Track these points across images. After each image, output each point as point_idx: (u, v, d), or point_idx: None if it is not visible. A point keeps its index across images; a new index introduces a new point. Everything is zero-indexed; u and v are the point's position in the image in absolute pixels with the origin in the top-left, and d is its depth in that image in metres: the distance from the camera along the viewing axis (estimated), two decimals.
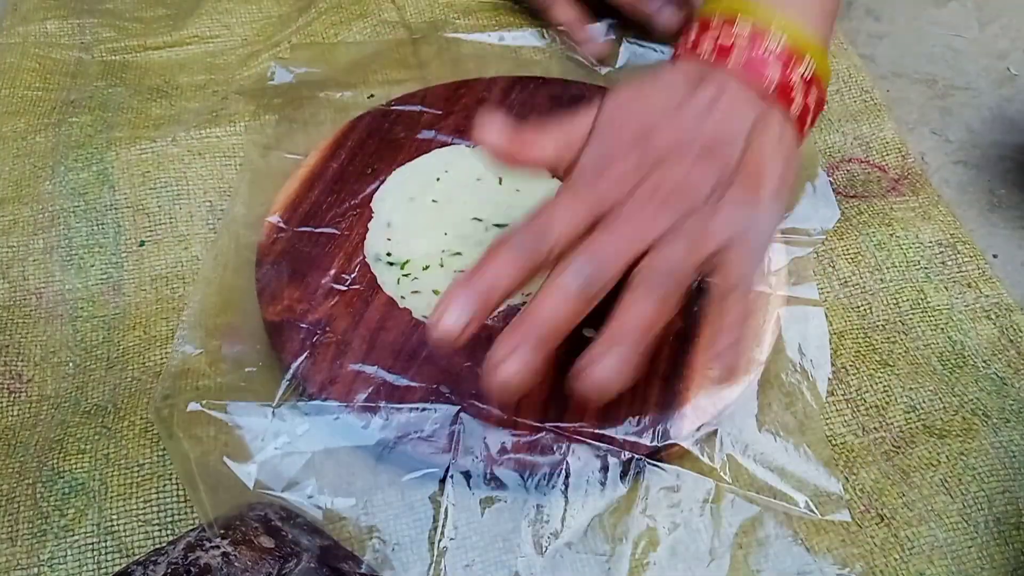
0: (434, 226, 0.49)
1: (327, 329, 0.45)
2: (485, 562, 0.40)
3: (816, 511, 0.41)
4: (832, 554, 0.40)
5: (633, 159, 0.39)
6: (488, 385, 0.36)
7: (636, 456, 0.41)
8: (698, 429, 0.42)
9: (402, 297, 0.46)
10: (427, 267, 0.47)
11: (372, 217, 0.50)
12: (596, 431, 0.41)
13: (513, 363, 0.35)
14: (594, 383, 0.35)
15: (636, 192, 0.38)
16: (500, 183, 0.51)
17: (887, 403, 0.45)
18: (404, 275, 0.47)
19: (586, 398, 0.35)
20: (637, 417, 0.42)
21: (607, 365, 0.35)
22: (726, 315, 0.38)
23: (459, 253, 0.48)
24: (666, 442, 0.41)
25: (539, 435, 0.41)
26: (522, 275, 0.37)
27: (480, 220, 0.49)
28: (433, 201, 0.50)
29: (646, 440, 0.41)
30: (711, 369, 0.41)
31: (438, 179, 0.51)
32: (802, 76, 0.40)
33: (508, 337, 0.36)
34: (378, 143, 0.54)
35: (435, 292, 0.46)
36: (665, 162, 0.38)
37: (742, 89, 0.40)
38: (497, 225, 0.49)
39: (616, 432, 0.42)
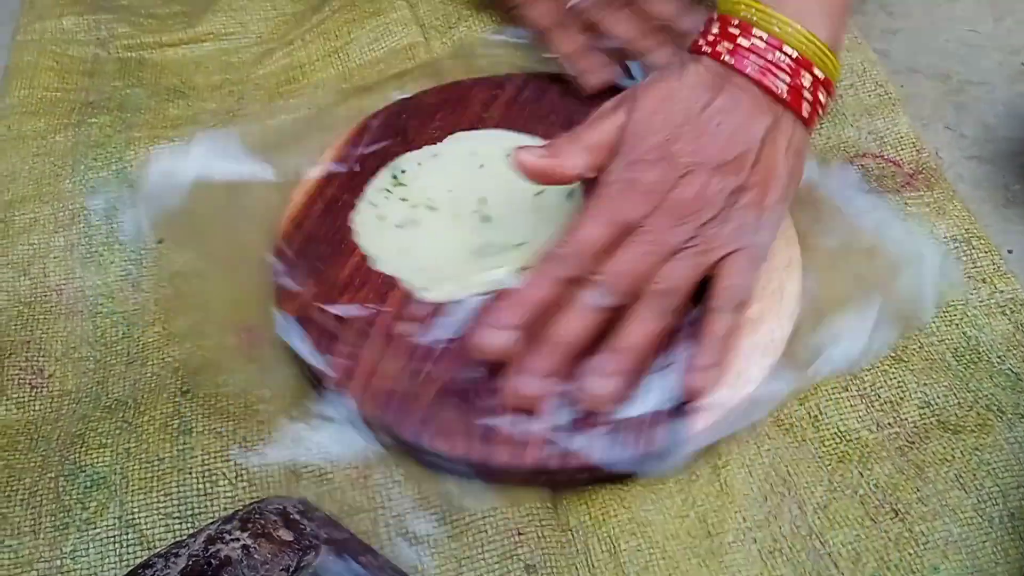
0: (430, 243, 0.49)
1: (344, 324, 0.45)
2: (501, 554, 0.40)
3: None
4: (847, 547, 0.40)
5: (656, 174, 0.41)
6: (514, 401, 0.41)
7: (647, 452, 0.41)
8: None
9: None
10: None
11: None
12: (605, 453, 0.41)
13: (537, 382, 0.41)
14: (597, 394, 0.41)
15: (657, 208, 0.41)
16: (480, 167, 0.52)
17: (901, 399, 0.45)
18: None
19: (593, 408, 0.41)
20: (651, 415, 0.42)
21: (608, 384, 0.41)
22: (711, 325, 0.42)
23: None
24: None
25: (556, 434, 0.42)
26: (560, 290, 0.42)
27: (476, 211, 0.50)
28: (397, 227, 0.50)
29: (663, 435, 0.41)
30: (690, 380, 0.42)
31: (399, 196, 0.52)
32: (813, 80, 0.43)
33: (537, 355, 0.41)
34: (392, 139, 0.54)
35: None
36: (686, 176, 0.41)
37: (757, 96, 0.42)
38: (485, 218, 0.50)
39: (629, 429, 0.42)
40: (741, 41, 0.42)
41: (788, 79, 0.42)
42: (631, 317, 0.41)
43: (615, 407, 0.41)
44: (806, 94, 0.43)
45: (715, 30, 0.43)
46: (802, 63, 0.42)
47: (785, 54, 0.42)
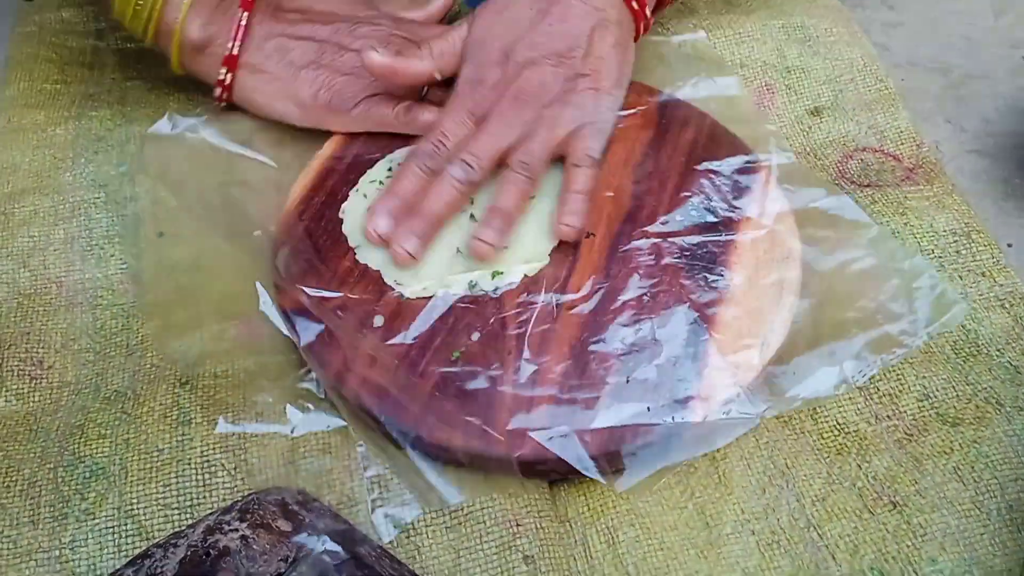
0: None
1: (342, 316, 0.46)
2: (500, 545, 0.40)
3: None
4: (845, 539, 0.40)
5: (499, 72, 0.50)
6: (394, 258, 0.47)
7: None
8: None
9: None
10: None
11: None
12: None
13: (412, 241, 0.47)
14: (481, 248, 0.47)
15: (503, 97, 0.49)
16: None
17: (900, 391, 0.45)
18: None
19: (479, 258, 0.47)
20: (648, 405, 0.42)
21: (490, 234, 0.47)
22: (572, 183, 0.49)
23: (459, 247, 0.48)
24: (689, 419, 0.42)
25: (560, 427, 0.42)
26: (429, 183, 0.49)
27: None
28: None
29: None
30: (560, 225, 0.48)
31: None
32: None
33: (408, 221, 0.48)
34: (390, 133, 0.54)
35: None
36: (524, 71, 0.50)
37: (581, 3, 0.51)
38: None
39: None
40: None
41: None
42: (501, 187, 0.49)
43: (494, 254, 0.47)
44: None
45: None
46: None
47: None
